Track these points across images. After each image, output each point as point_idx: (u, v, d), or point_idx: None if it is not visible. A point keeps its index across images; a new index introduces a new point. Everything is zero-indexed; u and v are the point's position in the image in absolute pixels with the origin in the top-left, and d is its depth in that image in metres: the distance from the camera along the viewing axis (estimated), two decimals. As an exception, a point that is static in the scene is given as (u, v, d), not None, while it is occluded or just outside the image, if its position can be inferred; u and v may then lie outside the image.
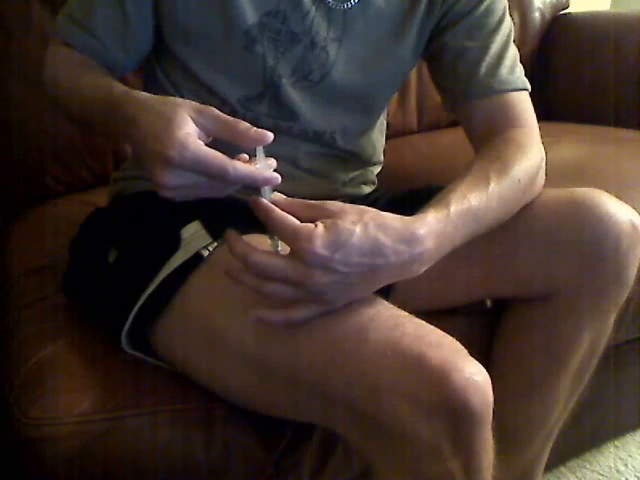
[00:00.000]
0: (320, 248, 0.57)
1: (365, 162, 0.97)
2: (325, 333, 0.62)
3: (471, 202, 0.68)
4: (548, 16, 1.65)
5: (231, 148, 0.60)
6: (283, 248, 0.61)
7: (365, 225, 0.59)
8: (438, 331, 0.62)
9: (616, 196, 0.79)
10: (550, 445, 0.94)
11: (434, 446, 0.59)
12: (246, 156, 0.61)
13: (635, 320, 1.05)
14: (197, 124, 0.60)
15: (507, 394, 0.83)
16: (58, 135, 1.18)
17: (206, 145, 0.59)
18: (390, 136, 1.06)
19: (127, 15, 0.79)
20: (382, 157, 1.03)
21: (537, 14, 1.63)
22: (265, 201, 0.60)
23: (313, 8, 0.80)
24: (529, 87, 0.85)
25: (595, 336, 0.83)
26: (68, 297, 0.86)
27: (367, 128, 0.94)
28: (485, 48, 0.84)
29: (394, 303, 0.66)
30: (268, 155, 0.61)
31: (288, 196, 0.63)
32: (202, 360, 0.72)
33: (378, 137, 0.99)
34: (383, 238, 0.60)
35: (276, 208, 0.59)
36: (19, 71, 1.14)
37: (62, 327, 0.83)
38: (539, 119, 0.84)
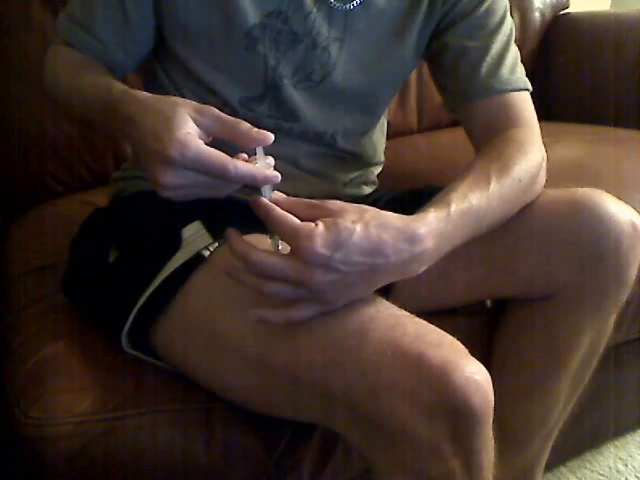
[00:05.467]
0: (320, 247, 0.57)
1: (366, 162, 0.97)
2: (325, 333, 0.62)
3: (472, 202, 0.68)
4: (548, 16, 1.65)
5: (229, 147, 0.60)
6: (283, 247, 0.61)
7: (366, 224, 0.59)
8: (438, 330, 0.62)
9: (616, 196, 0.79)
10: (550, 445, 0.94)
11: (434, 445, 0.59)
12: (245, 155, 0.61)
13: (635, 320, 1.05)
14: (197, 124, 0.60)
15: (507, 394, 0.83)
16: (58, 135, 1.18)
17: (206, 144, 0.59)
18: (390, 136, 1.06)
19: (127, 15, 0.79)
20: (383, 157, 1.03)
21: (537, 14, 1.63)
22: (265, 200, 0.60)
23: (315, 8, 0.80)
24: (530, 87, 0.85)
25: (595, 336, 0.83)
26: (68, 297, 0.86)
27: (368, 128, 0.94)
28: (486, 48, 0.84)
29: (394, 303, 0.66)
30: (268, 155, 0.61)
31: (288, 196, 0.63)
32: (202, 360, 0.72)
33: (379, 137, 0.99)
34: (384, 237, 0.60)
35: (276, 207, 0.59)
36: (19, 71, 1.14)
37: (62, 327, 0.83)
38: (539, 119, 0.84)
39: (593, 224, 0.76)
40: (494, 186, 0.70)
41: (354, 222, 0.59)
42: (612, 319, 0.84)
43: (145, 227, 0.79)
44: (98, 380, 0.74)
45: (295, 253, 0.58)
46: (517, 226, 0.78)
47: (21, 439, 0.69)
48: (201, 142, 0.58)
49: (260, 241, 0.62)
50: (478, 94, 0.84)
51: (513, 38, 0.87)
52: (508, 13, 0.87)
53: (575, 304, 0.80)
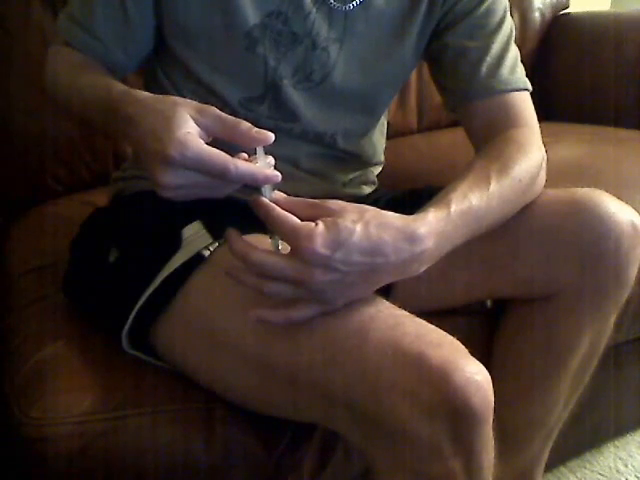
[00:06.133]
0: (320, 247, 0.57)
1: (366, 163, 0.97)
2: (325, 332, 0.62)
3: (472, 202, 0.68)
4: (548, 16, 1.65)
5: (229, 147, 0.60)
6: (283, 247, 0.61)
7: (366, 224, 0.59)
8: (439, 330, 0.62)
9: (616, 196, 0.79)
10: (550, 445, 0.94)
11: (435, 445, 0.59)
12: (245, 155, 0.61)
13: (635, 320, 1.05)
14: (197, 123, 0.60)
15: (507, 394, 0.83)
16: (58, 135, 1.18)
17: (206, 144, 0.59)
18: (390, 136, 1.06)
19: (128, 15, 0.79)
20: (383, 157, 1.03)
21: (537, 14, 1.63)
22: (266, 200, 0.60)
23: (314, 9, 0.80)
24: (530, 87, 0.85)
25: (595, 336, 0.83)
26: (68, 297, 0.86)
27: (368, 129, 0.94)
28: (486, 48, 0.83)
29: (394, 303, 0.66)
30: (268, 155, 0.61)
31: (288, 196, 0.63)
32: (202, 360, 0.72)
33: (379, 138, 0.99)
34: (384, 237, 0.60)
35: (276, 207, 0.59)
36: (20, 71, 1.14)
37: (62, 327, 0.83)
38: (539, 119, 0.84)
39: (593, 224, 0.76)
40: (494, 186, 0.70)
41: (354, 222, 0.59)
42: (612, 319, 0.84)
43: (145, 227, 0.79)
44: (98, 380, 0.74)
45: (295, 253, 0.58)
46: (517, 226, 0.78)
47: (21, 439, 0.69)
48: (201, 142, 0.58)
49: (260, 241, 0.62)
50: (478, 94, 0.84)
51: (513, 38, 0.86)
52: (508, 13, 0.86)
53: (575, 304, 0.80)
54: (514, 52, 0.86)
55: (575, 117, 1.51)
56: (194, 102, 0.62)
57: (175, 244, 0.73)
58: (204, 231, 0.73)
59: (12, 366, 0.78)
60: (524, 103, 0.84)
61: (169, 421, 0.72)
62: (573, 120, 1.49)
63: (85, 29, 0.80)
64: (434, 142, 1.44)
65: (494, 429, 0.62)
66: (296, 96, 0.83)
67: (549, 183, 0.81)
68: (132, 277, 0.74)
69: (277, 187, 0.61)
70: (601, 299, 0.80)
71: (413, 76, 1.46)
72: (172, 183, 0.59)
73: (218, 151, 0.58)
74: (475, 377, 0.58)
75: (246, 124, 0.60)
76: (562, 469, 1.24)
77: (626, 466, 1.26)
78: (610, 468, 1.25)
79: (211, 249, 0.71)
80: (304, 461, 0.79)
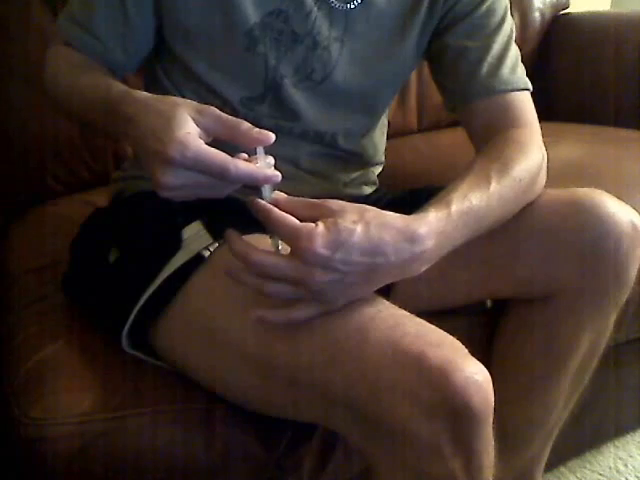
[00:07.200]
0: (320, 247, 0.57)
1: (366, 162, 0.97)
2: (326, 332, 0.62)
3: (472, 202, 0.68)
4: (548, 16, 1.65)
5: (229, 147, 0.60)
6: (283, 247, 0.61)
7: (366, 224, 0.59)
8: (439, 330, 0.62)
9: (616, 196, 0.79)
10: (550, 445, 0.94)
11: (435, 446, 0.59)
12: (245, 155, 0.61)
13: (635, 320, 1.05)
14: (198, 124, 0.60)
15: (507, 394, 0.83)
16: (58, 135, 1.18)
17: (206, 144, 0.59)
18: (390, 136, 1.06)
19: (127, 15, 0.79)
20: (383, 157, 1.03)
21: (537, 14, 1.63)
22: (263, 202, 0.60)
23: (315, 8, 0.80)
24: (530, 87, 0.85)
25: (595, 336, 0.83)
26: (68, 297, 0.86)
27: (369, 129, 0.94)
28: (486, 48, 0.83)
29: (394, 303, 0.66)
30: (269, 155, 0.61)
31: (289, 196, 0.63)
32: (202, 360, 0.72)
33: (379, 137, 0.99)
34: (384, 237, 0.60)
35: (275, 208, 0.59)
36: (19, 71, 1.14)
37: (62, 327, 0.83)
38: (539, 119, 0.84)
39: (593, 224, 0.76)
40: (494, 186, 0.70)
41: (354, 222, 0.59)
42: (612, 319, 0.84)
43: (145, 227, 0.79)
44: (98, 380, 0.74)
45: (295, 253, 0.58)
46: (517, 226, 0.78)
47: (21, 439, 0.69)
48: (201, 142, 0.58)
49: (260, 241, 0.62)
50: (479, 94, 0.84)
51: (513, 38, 0.86)
52: (508, 13, 0.86)
53: (575, 304, 0.80)
54: (514, 52, 0.86)
55: (575, 117, 1.51)
56: (194, 102, 0.62)
57: (175, 244, 0.73)
58: (204, 231, 0.73)
59: (12, 366, 0.78)
60: (525, 103, 0.84)
61: (169, 421, 0.72)
62: (573, 120, 1.48)
63: (85, 29, 0.80)
64: (434, 142, 1.44)
65: (494, 429, 0.62)
66: (297, 95, 0.83)
67: (549, 183, 0.81)
68: (132, 277, 0.74)
69: (277, 187, 0.61)
70: (601, 299, 0.80)
71: (413, 76, 1.46)
72: (172, 183, 0.59)
73: (218, 151, 0.58)
74: (475, 377, 0.58)
75: (246, 124, 0.60)
76: (562, 469, 1.24)
77: (626, 466, 1.26)
78: (610, 468, 1.25)
79: (211, 249, 0.71)
80: (304, 461, 0.79)
